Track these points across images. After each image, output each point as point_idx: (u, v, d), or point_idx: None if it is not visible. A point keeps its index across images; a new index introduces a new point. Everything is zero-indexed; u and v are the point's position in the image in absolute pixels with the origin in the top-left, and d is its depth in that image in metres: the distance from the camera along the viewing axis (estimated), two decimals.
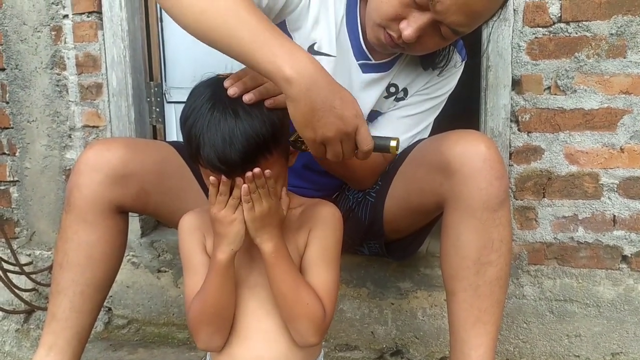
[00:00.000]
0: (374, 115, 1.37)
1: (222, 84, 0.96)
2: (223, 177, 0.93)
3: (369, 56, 1.28)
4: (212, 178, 0.94)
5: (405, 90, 1.35)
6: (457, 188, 1.10)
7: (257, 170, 0.92)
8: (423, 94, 1.35)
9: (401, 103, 1.35)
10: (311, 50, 1.27)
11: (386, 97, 1.35)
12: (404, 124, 1.34)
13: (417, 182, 1.20)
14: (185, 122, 0.96)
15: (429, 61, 1.31)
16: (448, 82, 1.36)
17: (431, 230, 1.41)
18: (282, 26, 1.27)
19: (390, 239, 1.40)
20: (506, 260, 1.14)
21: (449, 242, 1.14)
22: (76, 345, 1.24)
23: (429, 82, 1.35)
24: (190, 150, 0.96)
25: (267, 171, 0.93)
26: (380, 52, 1.27)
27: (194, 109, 0.94)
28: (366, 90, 1.30)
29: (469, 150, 1.09)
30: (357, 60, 1.28)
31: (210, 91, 0.95)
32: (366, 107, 1.30)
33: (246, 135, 0.91)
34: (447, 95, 1.38)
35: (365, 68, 1.29)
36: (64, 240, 1.23)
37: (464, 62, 1.37)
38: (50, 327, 1.23)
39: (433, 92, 1.36)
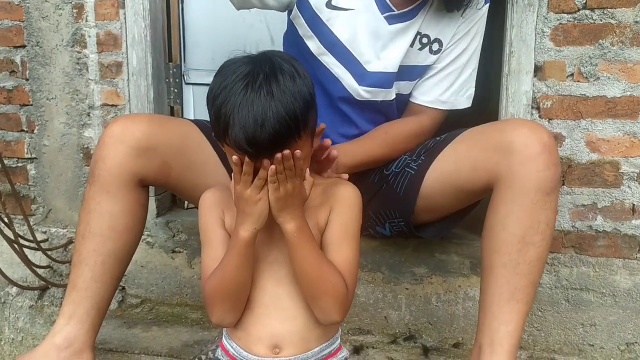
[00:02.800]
0: (415, 70, 1.42)
1: (256, 63, 0.95)
2: (246, 157, 0.93)
3: (392, 7, 1.36)
4: (235, 157, 0.94)
5: (439, 41, 1.40)
6: (515, 167, 1.14)
7: (287, 152, 0.92)
8: (455, 47, 1.41)
9: (438, 63, 1.42)
10: (329, 5, 1.35)
11: (420, 49, 1.40)
12: (447, 80, 1.42)
13: (471, 159, 1.24)
14: (214, 100, 0.95)
15: (452, 2, 1.36)
16: (475, 27, 1.42)
17: (461, 221, 1.45)
18: (304, 2, 1.35)
19: (420, 221, 1.41)
20: (547, 245, 1.18)
21: (497, 218, 1.18)
22: (95, 315, 1.26)
23: (458, 30, 1.40)
24: (218, 129, 0.96)
25: (297, 152, 0.93)
26: (401, 2, 1.35)
27: (225, 87, 0.93)
28: (394, 41, 1.38)
29: (532, 134, 1.15)
30: (382, 14, 1.36)
31: (244, 69, 0.94)
32: (396, 57, 1.39)
33: (278, 117, 0.90)
34: (478, 42, 1.44)
35: (391, 19, 1.37)
36: (87, 212, 1.25)
37: (487, 4, 1.41)
38: (71, 297, 1.25)
39: (463, 40, 1.41)
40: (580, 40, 1.49)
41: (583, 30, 1.49)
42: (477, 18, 1.41)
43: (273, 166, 0.92)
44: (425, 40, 1.40)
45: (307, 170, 1.02)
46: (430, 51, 1.41)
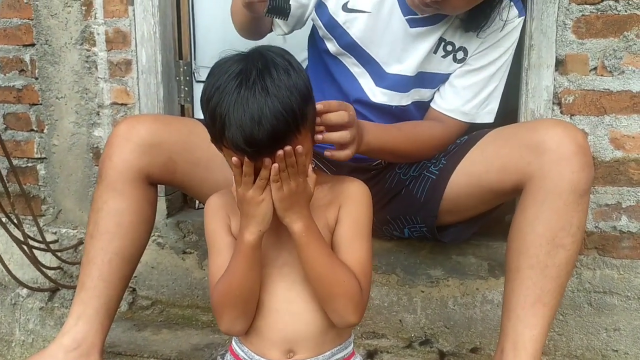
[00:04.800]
0: (436, 78, 1.38)
1: (248, 59, 0.92)
2: (246, 158, 0.90)
3: (415, 11, 1.31)
4: (234, 159, 0.91)
5: (464, 50, 1.35)
6: (548, 167, 1.12)
7: (288, 148, 0.89)
8: (482, 57, 1.35)
9: (462, 70, 1.36)
10: (345, 8, 1.34)
11: (444, 56, 1.36)
12: (470, 90, 1.37)
13: (500, 159, 1.21)
14: (208, 102, 0.92)
15: (470, 23, 1.31)
16: (506, 40, 1.35)
17: (483, 223, 1.42)
18: (321, 6, 1.36)
19: (441, 223, 1.38)
20: (577, 249, 1.15)
21: (526, 219, 1.15)
22: (104, 315, 1.25)
23: (486, 39, 1.34)
24: (214, 131, 0.93)
25: (298, 147, 0.90)
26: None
27: (218, 88, 0.90)
28: (415, 44, 1.34)
29: (567, 135, 1.13)
30: (405, 16, 1.32)
31: (235, 68, 0.91)
32: (416, 60, 1.34)
33: (275, 113, 0.87)
34: (508, 56, 1.38)
35: (413, 23, 1.33)
36: (95, 211, 1.27)
37: (522, 17, 1.35)
38: (79, 297, 1.25)
39: (491, 52, 1.35)
40: (603, 32, 1.44)
41: (607, 22, 1.43)
42: (508, 30, 1.35)
43: (275, 165, 0.90)
44: (449, 47, 1.35)
45: (310, 166, 0.98)
46: (454, 59, 1.36)
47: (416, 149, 1.32)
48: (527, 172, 1.15)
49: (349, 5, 1.33)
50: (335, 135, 1.04)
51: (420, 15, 1.32)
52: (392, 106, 1.38)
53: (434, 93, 1.40)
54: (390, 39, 1.34)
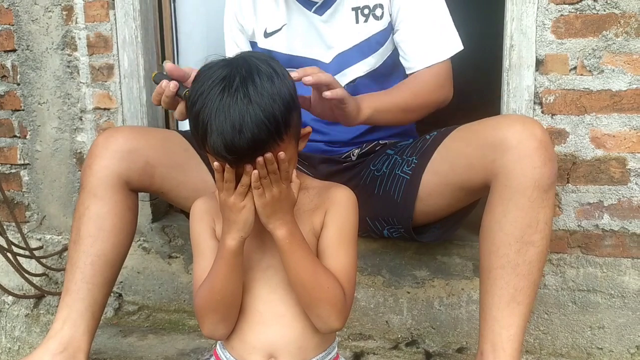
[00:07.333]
0: (373, 41, 1.41)
1: (232, 66, 0.92)
2: (227, 164, 0.90)
3: (313, 0, 1.39)
4: (216, 164, 0.92)
5: (380, 5, 1.38)
6: (511, 165, 1.11)
7: (268, 155, 0.89)
8: (404, 7, 1.36)
9: (402, 31, 1.38)
10: (265, 35, 1.44)
11: (366, 21, 1.39)
12: (421, 36, 1.36)
13: (466, 157, 1.21)
14: (192, 107, 0.92)
15: None
16: None
17: (461, 223, 1.41)
18: (254, 46, 1.47)
19: (419, 223, 1.38)
20: (546, 244, 1.15)
21: (494, 218, 1.15)
22: (89, 318, 1.27)
23: None
24: (197, 137, 0.93)
25: (281, 153, 0.90)
26: None
27: (202, 93, 0.90)
28: (333, 25, 1.40)
29: (527, 130, 1.12)
30: (310, 10, 1.40)
31: (220, 73, 0.91)
32: (342, 36, 1.40)
33: (257, 121, 0.87)
34: None
35: (319, 10, 1.40)
36: (77, 218, 1.30)
37: None
38: (64, 301, 1.27)
39: None
40: (582, 31, 1.44)
41: (585, 22, 1.43)
42: None
43: (255, 171, 0.89)
44: (366, 11, 1.39)
45: (294, 172, 0.98)
46: (375, 18, 1.39)
47: (417, 95, 1.32)
48: (492, 170, 1.15)
49: (268, 30, 1.43)
50: (324, 75, 1.07)
51: (319, 1, 1.37)
52: (353, 84, 1.42)
53: (384, 58, 1.43)
54: (312, 35, 1.40)
